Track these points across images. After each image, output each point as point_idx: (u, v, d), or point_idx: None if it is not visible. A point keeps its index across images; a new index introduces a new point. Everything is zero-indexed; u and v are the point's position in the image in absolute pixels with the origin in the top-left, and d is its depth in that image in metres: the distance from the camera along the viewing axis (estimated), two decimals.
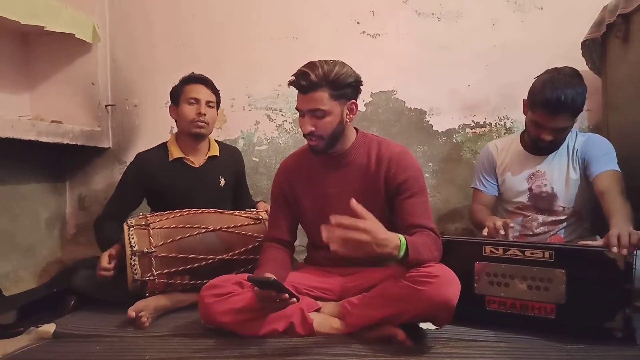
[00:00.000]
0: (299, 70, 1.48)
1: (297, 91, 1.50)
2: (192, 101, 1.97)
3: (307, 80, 1.44)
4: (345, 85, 1.48)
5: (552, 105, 1.67)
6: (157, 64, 2.54)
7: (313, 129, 1.49)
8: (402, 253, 1.30)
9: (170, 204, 1.93)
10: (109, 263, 1.73)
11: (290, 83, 1.49)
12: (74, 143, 2.25)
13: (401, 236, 1.32)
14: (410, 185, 1.51)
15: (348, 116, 1.53)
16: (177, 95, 2.02)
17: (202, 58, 2.49)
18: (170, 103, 2.06)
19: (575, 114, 1.72)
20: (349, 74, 1.49)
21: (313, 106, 1.47)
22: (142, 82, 2.55)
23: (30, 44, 2.42)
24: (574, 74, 1.72)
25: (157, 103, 2.54)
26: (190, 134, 2.00)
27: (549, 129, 1.74)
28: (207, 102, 2.00)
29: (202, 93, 2.00)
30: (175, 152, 2.01)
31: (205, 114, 1.98)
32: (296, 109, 1.53)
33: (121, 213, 1.98)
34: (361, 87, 1.56)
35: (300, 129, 1.55)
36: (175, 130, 2.49)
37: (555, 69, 1.76)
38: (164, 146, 2.06)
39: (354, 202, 1.26)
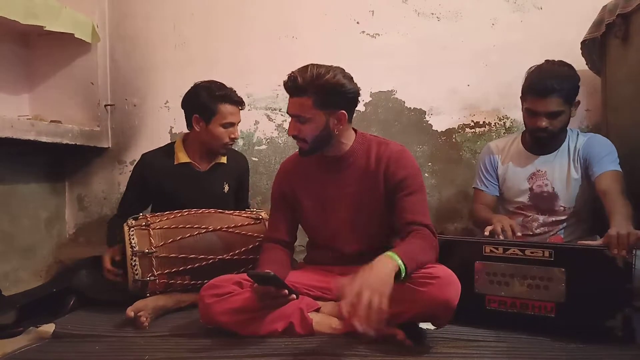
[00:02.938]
0: (291, 72, 1.48)
1: None
2: (228, 125, 1.93)
3: (293, 84, 1.46)
4: (332, 95, 1.46)
5: (540, 87, 1.71)
6: (156, 64, 2.53)
7: (296, 132, 1.51)
8: (399, 262, 1.27)
9: (173, 206, 1.91)
10: (112, 265, 1.75)
11: (283, 84, 1.50)
12: (73, 143, 2.25)
13: (390, 253, 1.29)
14: (408, 183, 1.52)
15: (336, 125, 1.51)
16: (209, 112, 1.90)
17: (201, 58, 2.49)
18: (195, 114, 1.92)
19: (566, 98, 1.72)
20: (339, 84, 1.45)
21: (296, 112, 1.49)
22: (142, 81, 2.55)
23: (30, 44, 2.41)
24: (564, 63, 1.78)
25: (157, 103, 2.54)
26: (218, 153, 2.01)
27: (541, 113, 1.74)
28: (238, 124, 1.99)
29: (237, 117, 1.96)
30: (181, 157, 1.99)
31: (236, 138, 1.98)
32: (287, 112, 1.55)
33: (133, 212, 1.99)
34: (356, 97, 1.53)
35: None
36: (175, 130, 2.52)
37: (546, 60, 1.81)
38: (170, 148, 2.04)
39: (334, 285, 1.27)
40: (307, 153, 1.56)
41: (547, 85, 1.70)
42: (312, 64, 1.47)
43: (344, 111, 1.50)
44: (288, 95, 1.52)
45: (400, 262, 1.27)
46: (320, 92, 1.44)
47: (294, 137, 1.54)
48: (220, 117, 1.91)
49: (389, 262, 1.27)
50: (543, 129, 1.76)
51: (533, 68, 1.80)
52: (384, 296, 1.17)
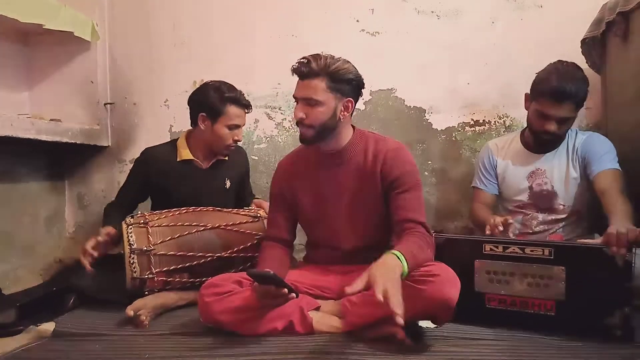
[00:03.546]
0: (302, 57, 1.51)
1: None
2: (233, 127, 1.93)
3: (307, 66, 1.48)
4: (343, 80, 1.50)
5: (558, 92, 1.69)
6: (156, 63, 2.53)
7: (303, 116, 1.51)
8: (405, 265, 1.27)
9: (174, 203, 1.91)
10: (93, 248, 1.74)
11: (292, 69, 1.52)
12: (73, 141, 2.25)
13: (395, 252, 1.29)
14: (405, 181, 1.52)
15: (342, 112, 1.53)
16: (216, 112, 1.90)
17: (200, 56, 2.49)
18: (202, 112, 1.92)
19: (578, 105, 1.73)
20: (350, 71, 1.51)
21: (307, 94, 1.49)
22: (141, 80, 2.54)
23: (30, 42, 2.41)
24: (577, 67, 1.77)
25: (156, 101, 2.54)
26: (220, 153, 2.01)
27: (553, 118, 1.73)
28: (242, 126, 1.99)
29: (243, 119, 1.96)
30: (184, 154, 1.99)
31: (240, 140, 1.98)
32: (293, 96, 1.55)
33: (130, 203, 2.01)
34: (362, 88, 1.57)
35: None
36: (175, 129, 2.52)
37: (559, 61, 1.78)
38: (173, 145, 2.03)
39: (348, 291, 1.21)
40: (310, 140, 1.55)
41: (565, 91, 1.68)
42: (323, 53, 1.51)
43: (351, 99, 1.53)
44: (289, 94, 1.54)
45: (405, 263, 1.27)
46: (333, 76, 1.48)
47: (299, 121, 1.52)
48: (226, 118, 1.91)
49: (395, 261, 1.27)
50: (551, 132, 1.76)
51: (548, 69, 1.77)
52: (399, 290, 1.17)
